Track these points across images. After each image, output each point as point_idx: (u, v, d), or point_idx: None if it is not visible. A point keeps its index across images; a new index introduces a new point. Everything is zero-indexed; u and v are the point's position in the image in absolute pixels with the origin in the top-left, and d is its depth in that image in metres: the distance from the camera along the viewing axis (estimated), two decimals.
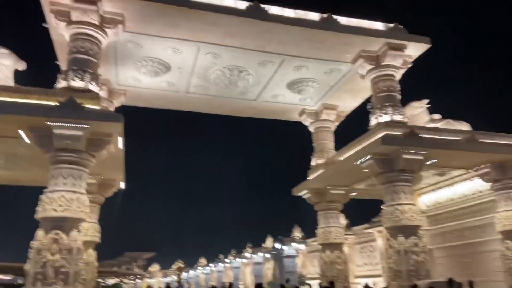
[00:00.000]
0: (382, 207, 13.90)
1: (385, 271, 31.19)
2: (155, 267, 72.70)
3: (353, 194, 18.62)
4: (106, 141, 11.32)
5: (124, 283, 45.93)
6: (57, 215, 10.39)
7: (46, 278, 9.83)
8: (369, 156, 13.52)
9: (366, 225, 34.00)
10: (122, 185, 16.54)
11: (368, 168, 14.00)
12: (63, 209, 10.43)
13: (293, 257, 27.61)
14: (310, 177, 18.35)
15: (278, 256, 38.04)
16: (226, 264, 50.07)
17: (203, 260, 62.93)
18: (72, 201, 10.59)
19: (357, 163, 14.16)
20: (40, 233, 10.28)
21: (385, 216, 13.55)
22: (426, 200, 19.46)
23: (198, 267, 64.02)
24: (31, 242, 10.28)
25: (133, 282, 52.50)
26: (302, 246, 28.45)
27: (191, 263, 68.57)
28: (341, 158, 15.95)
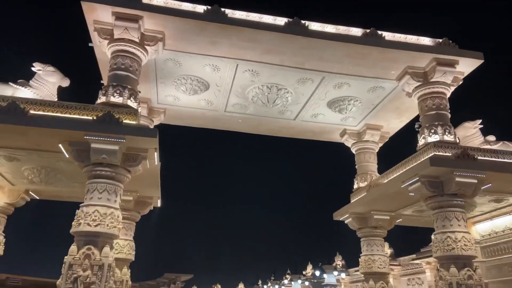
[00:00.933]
0: (432, 235, 12.77)
1: None
2: None
3: (399, 220, 17.40)
4: (141, 157, 11.22)
5: None
6: (90, 230, 10.28)
7: None
8: (417, 178, 12.54)
9: (414, 256, 32.01)
10: (159, 202, 16.43)
11: (416, 192, 12.99)
12: (96, 224, 10.31)
13: (334, 286, 26.21)
14: (352, 201, 17.42)
15: (317, 284, 36.47)
16: None
17: (241, 286, 61.80)
18: (106, 216, 10.47)
19: (404, 186, 13.18)
20: (73, 248, 10.18)
21: (436, 245, 12.41)
22: (481, 229, 17.82)
23: None
24: (65, 257, 10.18)
25: None
26: (343, 275, 27.01)
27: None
28: (386, 180, 14.99)
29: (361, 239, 17.48)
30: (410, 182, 12.89)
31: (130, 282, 15.24)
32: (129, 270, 15.38)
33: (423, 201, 13.25)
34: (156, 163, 12.13)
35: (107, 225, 10.42)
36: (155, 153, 11.53)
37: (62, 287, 9.80)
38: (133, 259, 15.59)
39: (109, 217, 10.50)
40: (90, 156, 10.62)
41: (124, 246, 15.17)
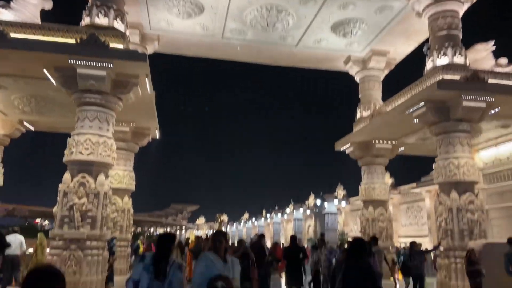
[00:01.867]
0: (435, 160, 12.48)
1: (431, 232, 29.90)
2: (201, 220, 75.28)
3: (401, 149, 17.12)
4: (132, 83, 10.64)
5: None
6: (83, 159, 10.03)
7: (73, 221, 9.62)
8: (422, 104, 11.98)
9: (414, 185, 32.36)
10: (157, 134, 16.13)
11: (421, 118, 12.49)
12: (89, 152, 10.04)
13: (334, 214, 26.83)
14: (355, 130, 17.03)
15: (319, 213, 37.51)
16: (268, 220, 50.47)
17: (246, 215, 64.10)
18: (98, 144, 10.16)
19: (408, 112, 12.65)
20: (66, 176, 10.01)
21: (438, 171, 12.16)
22: (484, 156, 17.56)
23: (242, 222, 65.39)
24: (59, 185, 10.04)
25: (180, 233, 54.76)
26: (343, 203, 27.50)
27: (235, 218, 70.26)
28: (390, 108, 14.44)
29: (361, 168, 17.38)
30: (415, 108, 12.34)
31: (132, 211, 15.44)
32: (131, 200, 15.50)
33: (427, 127, 12.81)
34: (149, 91, 11.57)
35: (100, 154, 10.15)
36: (147, 80, 10.93)
37: (59, 214, 9.77)
38: (134, 189, 15.66)
39: (101, 146, 10.20)
40: (77, 82, 10.06)
41: (124, 177, 15.16)
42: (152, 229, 50.64)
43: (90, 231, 9.75)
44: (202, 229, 69.09)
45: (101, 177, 10.19)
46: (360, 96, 17.78)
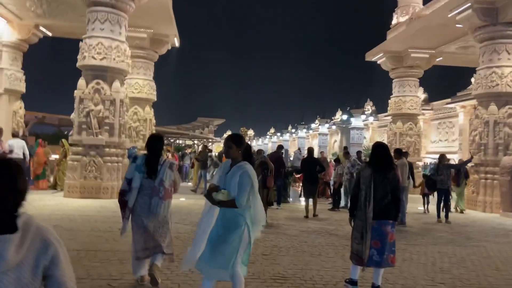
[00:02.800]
0: (476, 70, 11.38)
1: (462, 149, 29.13)
2: (228, 133, 76.64)
3: (439, 59, 15.75)
4: None
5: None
6: (96, 64, 9.59)
7: (91, 128, 9.52)
8: (468, 5, 10.54)
9: (448, 100, 30.86)
10: (176, 42, 15.35)
11: (465, 22, 11.11)
12: (102, 57, 9.56)
13: (360, 129, 26.22)
14: (389, 37, 15.64)
15: (345, 129, 37.00)
16: (293, 135, 50.60)
17: (272, 130, 64.50)
18: (111, 49, 9.63)
19: (451, 14, 11.25)
20: (81, 82, 9.70)
21: (478, 82, 11.13)
22: None
23: (267, 136, 66.09)
24: (75, 91, 9.78)
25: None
26: (371, 119, 26.73)
27: (262, 133, 70.98)
28: (430, 10, 12.93)
29: (393, 81, 16.31)
30: (459, 9, 10.92)
31: (154, 121, 15.35)
32: (152, 110, 15.33)
33: (471, 33, 11.46)
34: None
35: (114, 59, 9.66)
36: None
37: (76, 120, 9.65)
38: (155, 99, 15.40)
39: (114, 51, 9.67)
40: None
41: (144, 86, 14.81)
42: (180, 141, 51.93)
43: (108, 138, 9.66)
44: None
45: (116, 83, 9.82)
46: None
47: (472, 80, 29.43)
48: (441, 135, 32.57)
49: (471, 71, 14.05)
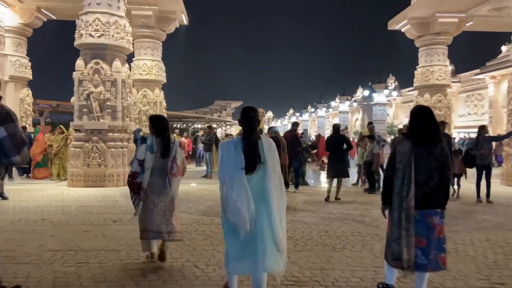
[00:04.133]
0: None
1: (492, 122, 27.49)
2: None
3: (469, 23, 14.36)
4: None
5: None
6: (94, 42, 8.88)
7: (92, 112, 8.86)
8: None
9: (477, 71, 29.13)
10: (184, 19, 14.48)
11: None
12: (100, 34, 8.82)
13: (383, 104, 24.88)
14: (413, 2, 14.34)
15: (367, 106, 35.54)
16: (312, 114, 49.38)
17: (291, 111, 63.29)
18: (109, 25, 8.87)
19: None
20: (79, 62, 9.02)
21: None
22: None
23: (286, 117, 64.96)
24: (73, 73, 9.11)
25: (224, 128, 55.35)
26: (395, 94, 25.34)
27: (281, 114, 69.83)
28: None
29: (419, 50, 15.03)
30: None
31: (164, 104, 14.65)
32: (162, 92, 14.62)
33: None
34: None
35: (113, 36, 8.91)
36: None
37: (76, 104, 9.01)
38: (165, 81, 14.66)
39: (113, 27, 8.90)
40: None
41: (152, 67, 14.08)
42: (199, 126, 51.54)
43: (111, 121, 9.00)
44: None
45: (117, 63, 9.09)
46: None
47: (503, 48, 27.62)
48: (469, 108, 30.88)
49: (502, 37, 12.75)
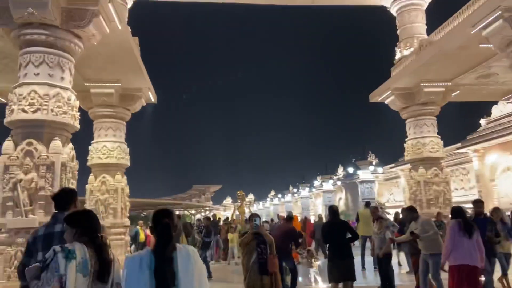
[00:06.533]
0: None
1: (481, 196, 26.33)
2: (228, 200, 73.29)
3: (455, 93, 13.62)
4: (91, 13, 7.66)
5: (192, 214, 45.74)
6: (27, 118, 7.24)
7: (19, 206, 6.89)
8: (499, 13, 8.51)
9: (458, 145, 28.72)
10: (151, 97, 13.24)
11: (494, 37, 9.03)
12: (35, 109, 7.21)
13: (370, 182, 23.55)
14: (394, 73, 13.66)
15: (350, 184, 34.27)
16: (295, 195, 47.72)
17: (273, 193, 61.61)
18: (48, 98, 7.31)
19: (475, 31, 9.22)
20: (7, 144, 7.26)
21: None
22: None
23: (268, 199, 63.01)
24: None
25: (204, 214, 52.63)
26: (380, 170, 24.18)
27: (262, 197, 67.96)
28: (442, 34, 11.03)
29: (406, 121, 14.04)
30: (485, 22, 8.89)
31: (127, 191, 12.73)
32: (125, 178, 12.78)
33: (500, 51, 9.36)
34: (119, 26, 8.56)
35: (52, 111, 7.30)
36: (111, 7, 7.91)
37: (0, 195, 7.05)
38: (128, 164, 12.93)
39: (53, 100, 7.34)
40: (11, 11, 7.17)
41: (113, 150, 12.39)
42: (177, 212, 48.87)
43: (44, 217, 7.00)
44: (230, 208, 67.19)
45: (56, 142, 7.37)
46: (398, 31, 14.26)
47: (483, 121, 27.52)
48: (455, 183, 29.87)
49: (481, 109, 11.93)
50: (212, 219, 18.05)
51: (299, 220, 16.60)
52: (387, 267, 6.68)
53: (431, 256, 4.82)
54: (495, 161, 23.65)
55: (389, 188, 35.44)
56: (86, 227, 2.29)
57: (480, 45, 9.85)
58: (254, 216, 4.54)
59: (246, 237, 4.45)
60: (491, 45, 9.48)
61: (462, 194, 28.52)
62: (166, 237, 2.09)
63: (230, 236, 14.61)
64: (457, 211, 4.34)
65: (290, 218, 7.77)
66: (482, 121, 28.57)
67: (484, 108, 26.43)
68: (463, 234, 4.11)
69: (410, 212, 6.58)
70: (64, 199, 3.29)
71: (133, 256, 2.09)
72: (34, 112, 7.17)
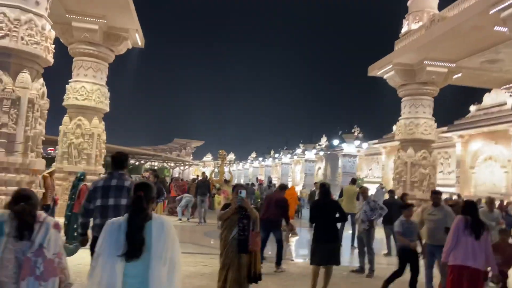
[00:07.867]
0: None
1: (459, 181, 26.61)
2: (208, 157, 73.00)
3: (457, 75, 13.11)
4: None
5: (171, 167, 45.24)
6: None
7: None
8: None
9: (444, 128, 28.62)
10: (138, 39, 12.26)
11: (510, 21, 8.42)
12: (3, 34, 6.31)
13: (353, 156, 23.37)
14: (397, 47, 12.99)
15: (331, 155, 34.14)
16: (276, 160, 47.60)
17: (253, 155, 61.40)
18: (19, 24, 6.41)
19: (494, 10, 8.57)
20: None
21: None
22: None
23: (248, 161, 62.92)
24: None
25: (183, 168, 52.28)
26: (365, 145, 23.96)
27: (243, 157, 67.76)
28: (457, 11, 10.33)
29: (402, 100, 13.54)
30: (508, 2, 8.24)
31: (104, 137, 12.00)
32: (103, 123, 12.01)
33: None
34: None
35: (22, 39, 6.43)
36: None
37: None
38: (108, 109, 12.13)
39: (25, 26, 6.45)
40: None
41: (92, 92, 11.52)
42: (156, 164, 48.25)
43: (5, 156, 6.32)
44: (209, 165, 66.93)
45: (25, 75, 6.55)
46: (408, 3, 13.47)
47: (472, 107, 27.33)
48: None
49: (471, 96, 11.50)
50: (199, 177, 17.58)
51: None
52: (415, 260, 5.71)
53: (440, 248, 4.03)
54: (478, 149, 23.63)
55: (369, 164, 35.55)
56: (16, 197, 2.46)
57: (495, 28, 9.24)
58: (239, 187, 3.98)
59: (227, 211, 3.90)
60: (506, 29, 8.91)
61: (440, 178, 28.77)
62: (138, 208, 2.30)
63: (217, 199, 14.15)
64: (469, 207, 3.85)
65: (283, 187, 7.27)
66: (472, 108, 28.38)
67: (476, 96, 26.11)
68: (469, 233, 3.64)
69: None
70: (121, 160, 3.79)
71: (113, 221, 2.30)
72: (1, 38, 6.29)
